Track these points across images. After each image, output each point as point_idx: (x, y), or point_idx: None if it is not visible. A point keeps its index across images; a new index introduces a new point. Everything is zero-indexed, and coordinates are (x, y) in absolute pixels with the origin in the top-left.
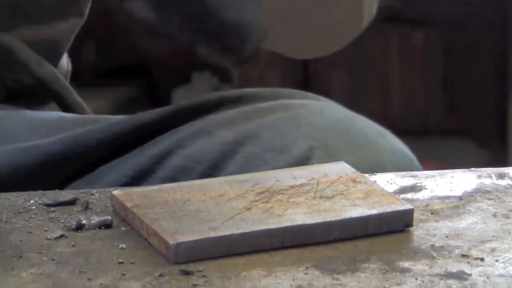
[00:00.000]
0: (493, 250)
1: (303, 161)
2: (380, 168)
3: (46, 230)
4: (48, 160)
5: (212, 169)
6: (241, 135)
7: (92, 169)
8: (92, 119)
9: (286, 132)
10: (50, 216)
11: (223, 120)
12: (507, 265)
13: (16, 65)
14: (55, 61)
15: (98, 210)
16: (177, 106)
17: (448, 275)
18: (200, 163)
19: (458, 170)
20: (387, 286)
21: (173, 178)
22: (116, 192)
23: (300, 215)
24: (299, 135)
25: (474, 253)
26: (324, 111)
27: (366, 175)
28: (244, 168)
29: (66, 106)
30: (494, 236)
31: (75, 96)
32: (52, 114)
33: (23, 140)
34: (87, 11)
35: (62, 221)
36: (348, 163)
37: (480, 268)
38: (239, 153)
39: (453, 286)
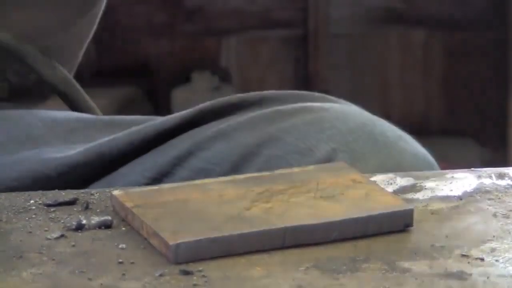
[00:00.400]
0: (493, 250)
1: (327, 161)
2: (403, 170)
3: (46, 230)
4: (70, 171)
5: (232, 172)
6: (263, 138)
7: (111, 170)
8: (109, 121)
9: (309, 135)
10: (50, 216)
11: (243, 123)
12: (507, 265)
13: (23, 65)
14: (69, 64)
15: (98, 210)
16: (200, 108)
17: (448, 275)
18: (220, 165)
19: (458, 170)
20: (387, 286)
21: (192, 180)
22: (116, 192)
23: (300, 215)
24: (322, 138)
25: (474, 253)
26: (346, 114)
27: (366, 175)
28: (266, 171)
29: (77, 108)
30: (494, 236)
31: (86, 99)
32: (68, 114)
33: (39, 139)
34: (99, 15)
35: (62, 221)
36: (371, 167)
37: (480, 268)
38: (260, 156)
39: (453, 286)
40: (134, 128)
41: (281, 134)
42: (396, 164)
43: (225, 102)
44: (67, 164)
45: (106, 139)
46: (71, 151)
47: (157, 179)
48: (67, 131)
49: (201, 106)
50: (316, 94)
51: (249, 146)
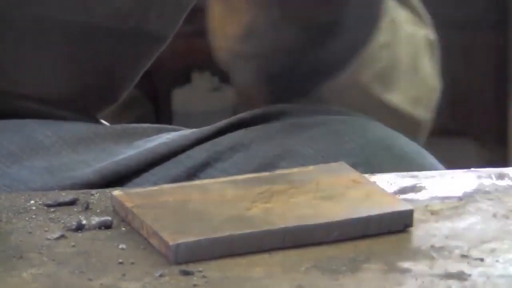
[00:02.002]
0: (493, 250)
1: None
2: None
3: (46, 231)
4: (84, 188)
5: None
6: (281, 150)
7: (125, 182)
8: (121, 131)
9: (328, 148)
10: (50, 216)
11: (261, 134)
12: (507, 265)
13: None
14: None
15: (98, 211)
16: (219, 126)
17: (448, 276)
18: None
19: (458, 171)
20: (387, 287)
21: None
22: (116, 192)
23: (300, 216)
24: (341, 152)
25: (474, 253)
26: (365, 128)
27: (366, 175)
28: None
29: None
30: (494, 237)
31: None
32: (77, 124)
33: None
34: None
35: (62, 221)
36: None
37: (480, 269)
38: (278, 168)
39: (453, 286)
40: (152, 146)
41: (299, 147)
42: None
43: (244, 117)
44: (82, 182)
45: (122, 157)
46: (86, 169)
47: None
48: (77, 141)
49: (220, 123)
50: (335, 108)
51: (267, 158)
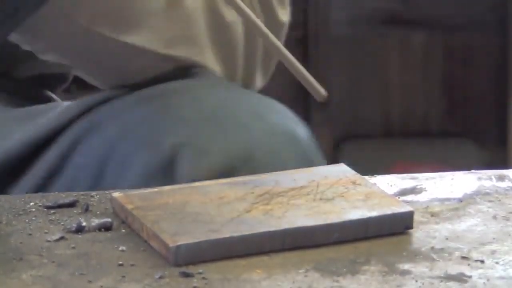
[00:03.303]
0: (493, 252)
1: (170, 158)
2: (252, 155)
3: (46, 232)
4: None
5: (101, 166)
6: (121, 130)
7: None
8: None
9: (158, 126)
10: (50, 218)
11: (109, 113)
12: (507, 267)
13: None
14: None
15: (98, 212)
16: (78, 104)
17: (448, 277)
18: (93, 159)
19: (458, 172)
20: None
21: (75, 176)
22: (116, 194)
23: (300, 217)
24: (169, 130)
25: (474, 255)
26: (199, 98)
27: (366, 177)
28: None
29: None
30: (494, 238)
31: None
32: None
33: None
34: None
35: (62, 223)
36: (217, 156)
37: (480, 270)
38: (119, 150)
39: None
40: (28, 128)
41: (134, 127)
42: (243, 148)
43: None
44: None
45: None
46: None
47: (49, 177)
48: None
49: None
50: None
51: (113, 138)
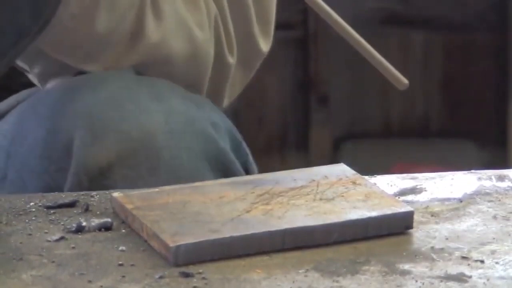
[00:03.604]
0: (493, 252)
1: (68, 141)
2: (151, 137)
3: (46, 232)
4: None
5: (10, 147)
6: (29, 114)
7: None
8: None
9: (58, 110)
10: (50, 218)
11: (26, 101)
12: (507, 267)
13: None
14: None
15: (98, 212)
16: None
17: (448, 277)
18: (4, 138)
19: (458, 172)
20: None
21: None
22: (116, 194)
23: (300, 217)
24: (68, 115)
25: (474, 255)
26: (103, 80)
27: (366, 177)
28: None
29: None
30: (494, 238)
31: None
32: None
33: None
34: None
35: (62, 223)
36: (115, 138)
37: (480, 270)
38: (21, 134)
39: None
40: None
41: (40, 112)
42: (141, 131)
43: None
44: None
45: None
46: None
47: None
48: None
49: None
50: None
51: (21, 121)
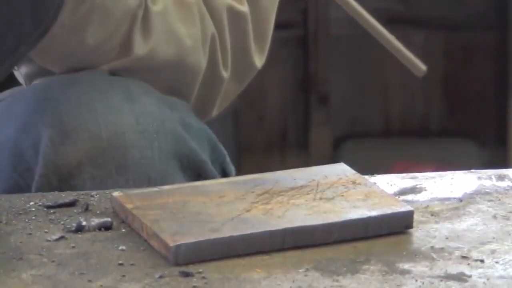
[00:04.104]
0: (493, 251)
1: (36, 142)
2: (119, 136)
3: (46, 232)
4: None
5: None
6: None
7: None
8: None
9: (32, 110)
10: (50, 217)
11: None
12: (507, 266)
13: None
14: None
15: (98, 212)
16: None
17: (448, 277)
18: None
19: (458, 172)
20: None
21: None
22: (116, 193)
23: (300, 217)
24: (40, 114)
25: (474, 254)
26: (74, 81)
27: (366, 176)
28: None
29: None
30: (494, 238)
31: None
32: None
33: None
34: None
35: (62, 222)
36: (83, 137)
37: (480, 270)
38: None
39: (453, 287)
40: None
41: (10, 107)
42: (112, 130)
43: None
44: None
45: None
46: None
47: None
48: None
49: None
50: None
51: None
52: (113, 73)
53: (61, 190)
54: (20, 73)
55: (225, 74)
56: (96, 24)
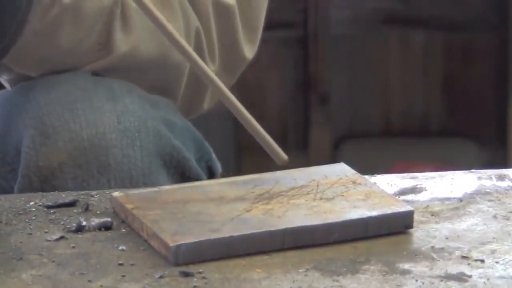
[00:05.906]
0: (493, 251)
1: (18, 143)
2: (100, 136)
3: (46, 232)
4: None
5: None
6: None
7: None
8: None
9: (11, 113)
10: (50, 217)
11: None
12: (507, 266)
13: None
14: None
15: (98, 212)
16: None
17: (448, 277)
18: None
19: (458, 172)
20: None
21: None
22: (116, 193)
23: (300, 217)
24: (19, 117)
25: (474, 254)
26: (56, 81)
27: (366, 176)
28: None
29: None
30: (494, 238)
31: None
32: None
33: None
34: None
35: (62, 222)
36: (64, 137)
37: (480, 270)
38: None
39: (453, 287)
40: None
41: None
42: (93, 130)
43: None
44: None
45: None
46: None
47: None
48: None
49: None
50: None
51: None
52: (96, 73)
53: (43, 190)
54: (3, 79)
55: (212, 67)
56: (68, 26)
